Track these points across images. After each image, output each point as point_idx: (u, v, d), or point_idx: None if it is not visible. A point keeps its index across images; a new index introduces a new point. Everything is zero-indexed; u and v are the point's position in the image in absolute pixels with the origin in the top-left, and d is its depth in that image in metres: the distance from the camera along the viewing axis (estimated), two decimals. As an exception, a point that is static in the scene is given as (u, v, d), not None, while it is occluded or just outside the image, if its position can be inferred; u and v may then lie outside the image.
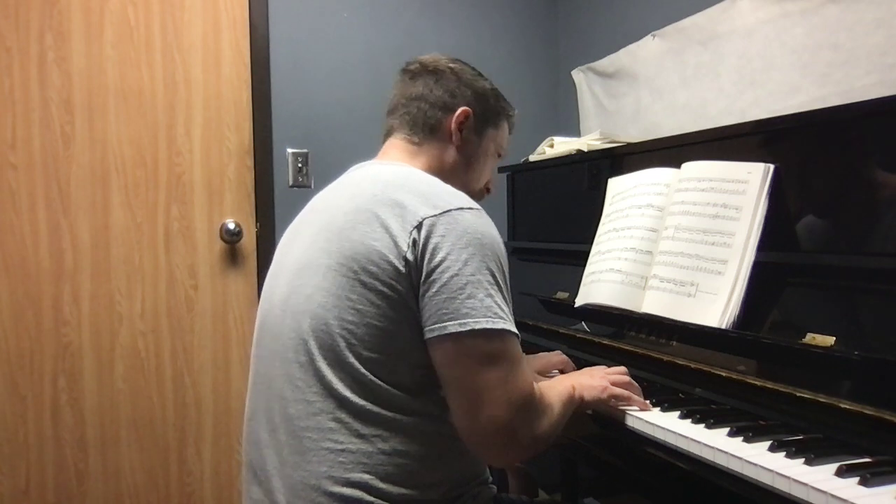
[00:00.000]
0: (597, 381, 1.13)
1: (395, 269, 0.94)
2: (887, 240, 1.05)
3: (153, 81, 2.11)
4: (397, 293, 0.95)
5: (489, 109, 1.19)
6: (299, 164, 2.29)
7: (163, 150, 2.12)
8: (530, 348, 1.46)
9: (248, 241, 2.23)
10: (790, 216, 1.19)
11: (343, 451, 0.94)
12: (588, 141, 1.88)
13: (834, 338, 1.00)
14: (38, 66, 1.99)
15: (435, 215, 0.95)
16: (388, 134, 1.19)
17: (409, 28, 2.41)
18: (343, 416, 0.95)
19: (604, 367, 1.21)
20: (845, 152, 1.14)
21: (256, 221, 2.24)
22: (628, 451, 1.14)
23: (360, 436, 0.95)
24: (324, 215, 1.05)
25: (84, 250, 2.05)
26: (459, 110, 1.15)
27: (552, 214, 1.98)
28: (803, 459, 0.88)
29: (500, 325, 0.93)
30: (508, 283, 1.00)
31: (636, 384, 1.17)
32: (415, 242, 0.94)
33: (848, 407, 0.94)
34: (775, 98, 1.68)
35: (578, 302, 1.49)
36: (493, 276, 0.95)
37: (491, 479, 1.12)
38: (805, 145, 1.21)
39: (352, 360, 0.95)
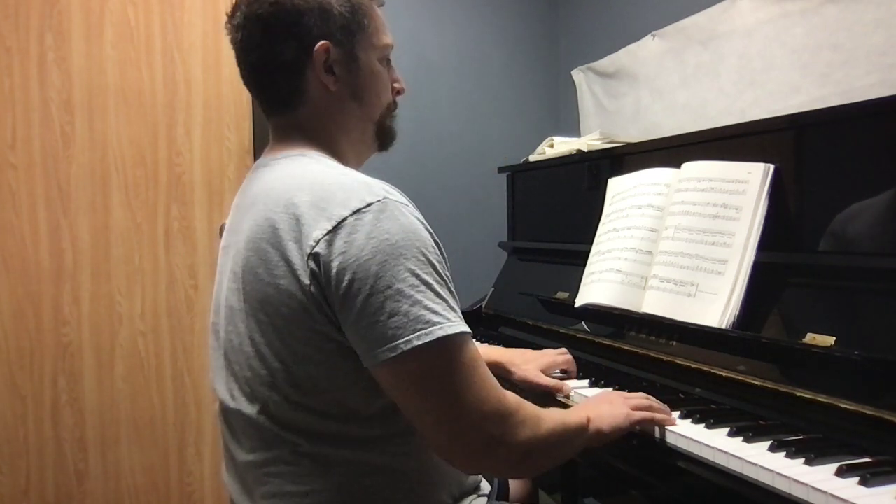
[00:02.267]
0: (617, 408, 1.03)
1: (304, 307, 0.84)
2: (887, 240, 1.05)
3: (153, 81, 2.11)
4: (317, 332, 0.85)
5: (346, 21, 0.97)
6: (299, 164, 2.28)
7: (163, 150, 2.12)
8: (530, 348, 1.46)
9: (248, 241, 2.23)
10: (790, 216, 1.19)
11: (309, 492, 0.89)
12: (588, 141, 1.88)
13: (834, 338, 1.00)
14: (38, 66, 1.99)
15: (329, 232, 0.82)
16: (265, 111, 1.03)
17: (409, 28, 2.41)
18: (300, 458, 0.89)
19: (621, 392, 1.12)
20: (845, 152, 1.14)
21: (256, 221, 2.24)
22: (628, 450, 1.14)
23: (324, 475, 0.89)
24: (234, 240, 0.96)
25: (84, 250, 2.05)
26: (315, 52, 0.95)
27: (552, 214, 1.98)
28: (803, 459, 0.88)
29: (435, 333, 0.81)
30: (441, 265, 0.87)
31: (657, 404, 1.08)
32: (314, 274, 0.83)
33: (848, 407, 0.94)
34: (775, 98, 1.68)
35: (578, 302, 1.49)
36: (416, 275, 0.82)
37: (481, 480, 1.11)
38: (805, 145, 1.21)
39: (295, 407, 0.88)
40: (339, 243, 0.82)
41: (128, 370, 2.10)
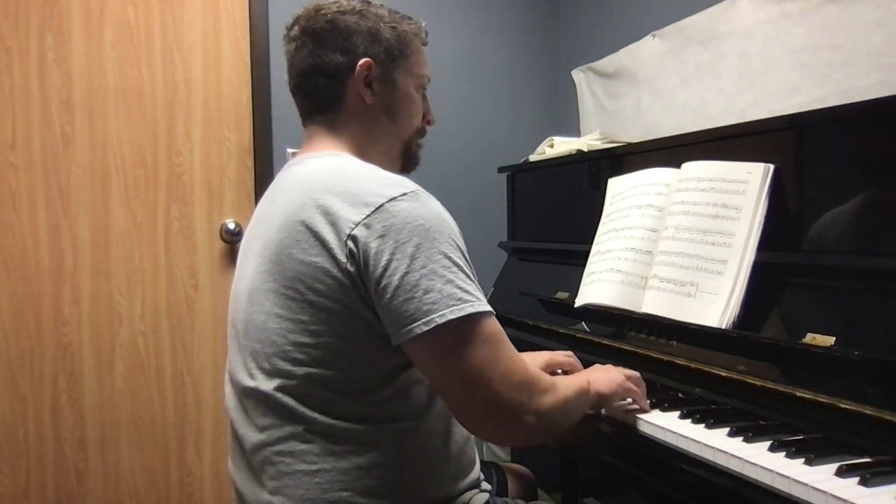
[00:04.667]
0: (613, 375, 1.12)
1: (340, 283, 0.89)
2: (887, 240, 1.05)
3: (153, 81, 2.11)
4: (348, 308, 0.90)
5: (390, 47, 1.07)
6: (299, 164, 2.28)
7: (163, 150, 2.12)
8: (530, 348, 1.46)
9: (248, 241, 2.23)
10: (790, 216, 1.19)
11: (318, 471, 0.91)
12: (588, 141, 1.88)
13: (834, 338, 1.00)
14: (38, 66, 1.99)
15: (367, 216, 0.89)
16: (304, 117, 1.12)
17: (409, 28, 2.41)
18: (313, 436, 0.92)
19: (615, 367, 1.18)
20: (845, 152, 1.14)
21: (256, 221, 2.24)
22: (628, 450, 1.14)
23: (334, 453, 0.92)
24: (264, 229, 1.00)
25: (84, 250, 2.05)
26: (358, 66, 1.04)
27: (552, 214, 1.98)
28: (803, 459, 0.88)
29: (467, 309, 0.87)
30: (466, 252, 0.94)
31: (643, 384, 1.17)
32: (352, 254, 0.88)
33: (848, 407, 0.94)
34: (775, 98, 1.68)
35: (578, 302, 1.49)
36: (448, 258, 0.89)
37: (483, 477, 1.12)
38: (805, 145, 1.21)
39: (313, 382, 0.92)
40: (377, 226, 0.88)
41: (128, 370, 2.10)
